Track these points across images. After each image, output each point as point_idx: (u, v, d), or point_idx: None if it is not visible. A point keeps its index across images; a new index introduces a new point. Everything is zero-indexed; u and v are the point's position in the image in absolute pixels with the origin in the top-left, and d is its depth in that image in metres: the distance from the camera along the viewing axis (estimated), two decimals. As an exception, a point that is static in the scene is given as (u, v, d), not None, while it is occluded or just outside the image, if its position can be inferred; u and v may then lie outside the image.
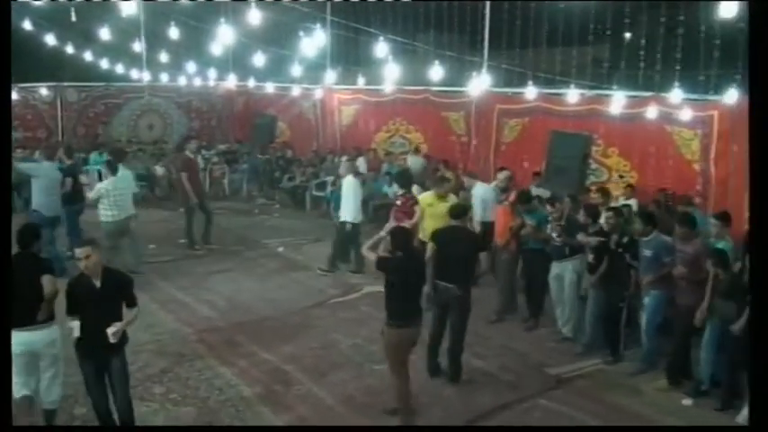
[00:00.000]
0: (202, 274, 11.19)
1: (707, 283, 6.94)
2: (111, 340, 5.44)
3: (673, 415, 6.79)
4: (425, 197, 9.97)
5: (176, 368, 7.55)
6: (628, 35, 14.59)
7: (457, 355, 7.40)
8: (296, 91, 18.48)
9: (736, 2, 7.56)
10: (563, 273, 8.55)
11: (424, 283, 6.78)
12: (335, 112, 18.60)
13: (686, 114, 10.61)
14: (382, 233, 7.06)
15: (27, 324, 5.59)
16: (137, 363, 7.26)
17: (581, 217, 8.39)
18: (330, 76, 16.69)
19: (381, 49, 12.08)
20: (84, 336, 5.53)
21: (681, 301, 7.30)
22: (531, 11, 14.06)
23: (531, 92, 12.83)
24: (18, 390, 5.68)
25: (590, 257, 8.15)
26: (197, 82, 20.14)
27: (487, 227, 9.90)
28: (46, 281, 5.70)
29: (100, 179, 11.70)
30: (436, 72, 12.84)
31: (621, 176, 11.89)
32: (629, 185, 11.32)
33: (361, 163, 16.01)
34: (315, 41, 13.28)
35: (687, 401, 7.02)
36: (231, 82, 19.48)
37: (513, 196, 9.52)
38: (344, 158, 12.87)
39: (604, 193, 10.58)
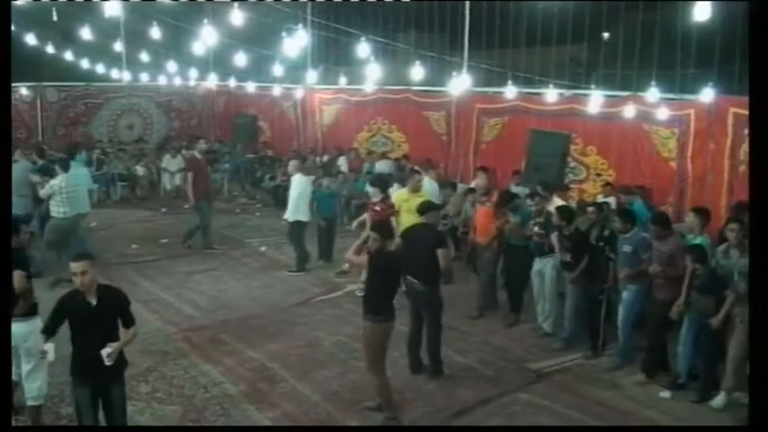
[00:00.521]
0: (186, 273, 11.22)
1: (683, 279, 7.08)
2: (106, 362, 5.08)
3: (652, 408, 6.93)
4: (401, 194, 10.00)
5: (161, 367, 7.60)
6: (606, 35, 14.78)
7: (435, 351, 7.51)
8: (277, 91, 18.48)
9: (710, 2, 7.68)
10: (544, 269, 8.68)
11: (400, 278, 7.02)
12: (317, 112, 18.65)
13: (663, 113, 10.75)
14: (363, 236, 7.21)
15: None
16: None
17: (554, 219, 8.47)
18: (311, 75, 16.73)
19: (362, 49, 12.15)
20: (78, 359, 5.22)
21: (657, 295, 7.45)
22: (510, 11, 14.18)
23: (510, 91, 12.90)
24: None
25: (567, 257, 8.25)
26: (177, 82, 20.10)
27: None
28: (15, 276, 5.61)
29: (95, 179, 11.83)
30: (417, 72, 12.91)
31: (599, 175, 12.01)
32: (608, 183, 11.45)
33: (342, 162, 16.12)
34: (296, 41, 13.31)
35: (665, 394, 7.16)
36: (212, 82, 19.46)
37: (494, 197, 9.60)
38: (291, 160, 12.49)
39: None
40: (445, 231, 11.90)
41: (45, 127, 19.41)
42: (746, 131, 9.81)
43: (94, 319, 5.16)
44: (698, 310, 7.00)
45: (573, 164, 12.27)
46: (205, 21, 14.51)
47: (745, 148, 9.87)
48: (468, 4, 14.10)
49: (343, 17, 16.28)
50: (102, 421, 5.38)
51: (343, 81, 17.02)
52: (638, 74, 13.10)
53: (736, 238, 6.86)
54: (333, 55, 18.33)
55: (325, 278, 11.02)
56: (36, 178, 11.34)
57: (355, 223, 10.50)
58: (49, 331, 5.17)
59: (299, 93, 18.42)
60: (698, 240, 7.41)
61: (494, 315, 9.41)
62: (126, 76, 19.82)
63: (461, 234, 11.35)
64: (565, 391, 7.27)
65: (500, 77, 14.01)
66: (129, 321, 5.38)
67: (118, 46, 19.08)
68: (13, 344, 5.65)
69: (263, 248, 12.88)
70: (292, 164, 11.88)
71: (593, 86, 12.70)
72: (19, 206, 10.43)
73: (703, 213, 7.74)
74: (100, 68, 19.63)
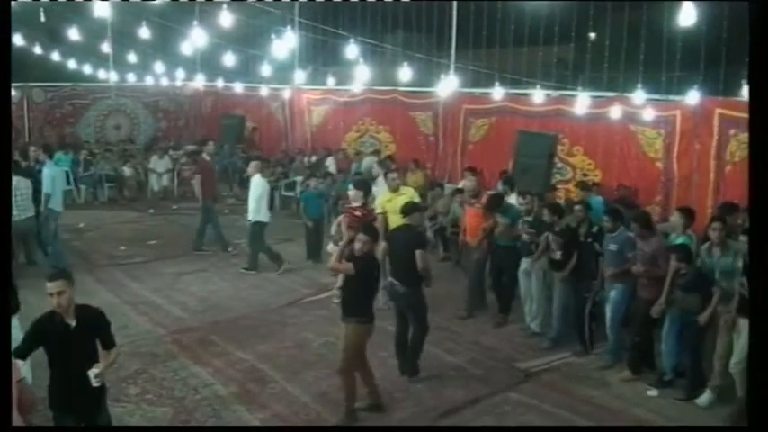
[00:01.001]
0: (174, 274, 11.21)
1: (666, 278, 7.15)
2: (94, 383, 4.71)
3: (639, 406, 6.98)
4: (384, 195, 9.99)
5: (151, 369, 7.59)
6: (592, 35, 14.85)
7: (415, 352, 7.52)
8: (264, 91, 18.49)
9: (695, 2, 7.76)
10: (531, 268, 8.75)
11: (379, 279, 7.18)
12: (305, 113, 18.66)
13: (649, 114, 10.85)
14: (345, 240, 7.31)
15: None
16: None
17: (546, 216, 8.57)
18: (299, 76, 16.75)
19: (350, 50, 12.17)
20: (57, 387, 4.82)
21: (641, 294, 7.53)
22: (497, 11, 14.23)
23: (497, 92, 12.96)
24: None
25: (557, 255, 8.33)
26: (165, 82, 20.07)
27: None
28: None
29: (68, 180, 11.64)
30: (404, 73, 12.95)
31: (586, 175, 12.08)
32: (594, 183, 11.53)
33: (330, 163, 16.12)
34: (283, 42, 13.32)
35: (652, 392, 7.22)
36: (199, 82, 19.45)
37: (484, 199, 9.63)
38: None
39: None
40: (434, 231, 12.02)
41: (32, 128, 19.37)
42: (732, 132, 9.96)
43: (74, 342, 4.75)
44: (683, 308, 7.07)
45: (560, 164, 12.35)
46: (193, 21, 14.53)
47: (730, 148, 9.99)
48: (455, 4, 14.17)
49: (330, 18, 16.32)
50: None
51: (331, 82, 17.05)
52: (624, 76, 13.18)
53: (718, 236, 6.95)
54: (321, 56, 18.38)
55: (314, 279, 11.03)
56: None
57: (334, 227, 10.07)
58: (22, 355, 4.71)
59: (287, 93, 18.43)
60: (681, 240, 7.50)
61: (483, 315, 9.44)
62: (113, 76, 19.81)
63: (450, 234, 11.39)
64: (553, 390, 7.32)
65: (487, 78, 14.08)
66: (109, 343, 4.99)
67: (105, 46, 19.04)
68: None
69: (251, 249, 12.84)
70: (252, 165, 11.87)
71: (579, 87, 12.78)
72: None
73: (687, 213, 7.80)
74: (87, 69, 19.61)
